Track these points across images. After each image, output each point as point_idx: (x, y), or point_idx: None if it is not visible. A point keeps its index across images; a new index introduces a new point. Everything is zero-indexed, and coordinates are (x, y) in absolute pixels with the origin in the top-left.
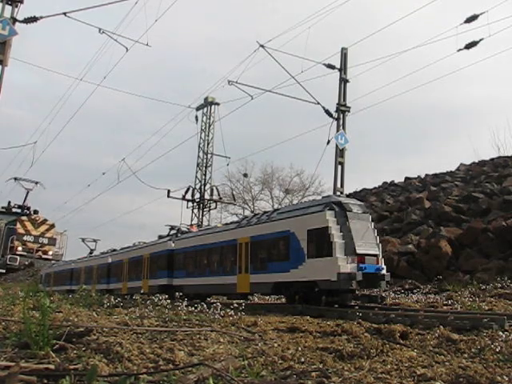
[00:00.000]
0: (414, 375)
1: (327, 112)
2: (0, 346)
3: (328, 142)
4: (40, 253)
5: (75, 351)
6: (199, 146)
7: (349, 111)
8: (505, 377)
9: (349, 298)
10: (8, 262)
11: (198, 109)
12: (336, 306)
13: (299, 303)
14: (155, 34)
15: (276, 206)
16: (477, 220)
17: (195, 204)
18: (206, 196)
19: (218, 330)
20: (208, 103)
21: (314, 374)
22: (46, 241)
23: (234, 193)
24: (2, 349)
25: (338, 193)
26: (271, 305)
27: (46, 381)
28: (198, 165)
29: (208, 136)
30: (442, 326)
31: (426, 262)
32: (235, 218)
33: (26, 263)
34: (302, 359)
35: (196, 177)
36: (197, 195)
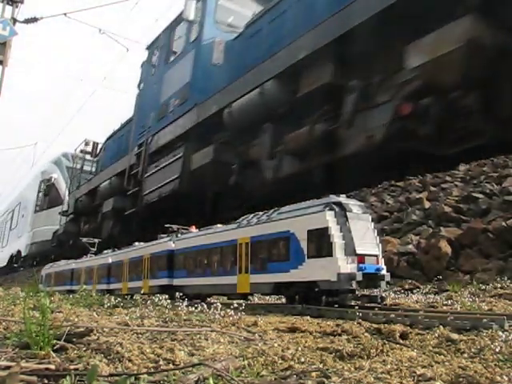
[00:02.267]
0: (414, 375)
1: None
2: (0, 346)
3: None
4: None
5: (75, 351)
6: None
7: None
8: (504, 377)
9: (349, 298)
10: None
11: None
12: (336, 306)
13: (299, 303)
14: (155, 34)
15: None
16: (477, 220)
17: None
18: None
19: (218, 330)
20: None
21: (314, 373)
22: None
23: None
24: (2, 349)
25: None
26: (271, 305)
27: (46, 381)
28: None
29: None
30: (441, 326)
31: (426, 262)
32: None
33: None
34: (302, 359)
35: None
36: None
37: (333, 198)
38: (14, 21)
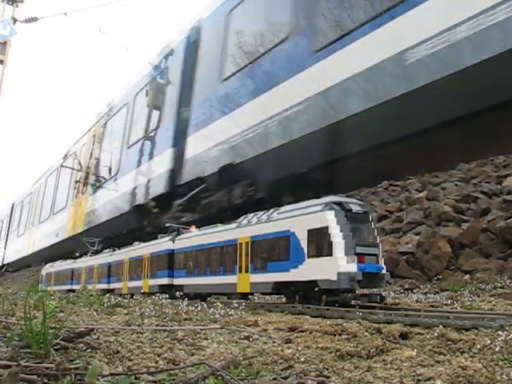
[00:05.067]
0: (414, 374)
1: None
2: (1, 345)
3: None
4: None
5: (76, 351)
6: None
7: None
8: (504, 376)
9: (349, 297)
10: None
11: None
12: (336, 305)
13: (299, 303)
14: (155, 34)
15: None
16: (477, 220)
17: None
18: None
19: (218, 329)
20: None
21: (313, 373)
22: None
23: None
24: (2, 348)
25: None
26: (271, 304)
27: (46, 380)
28: None
29: None
30: (442, 326)
31: (426, 261)
32: None
33: None
34: (302, 359)
35: None
36: None
37: (333, 197)
38: (14, 20)
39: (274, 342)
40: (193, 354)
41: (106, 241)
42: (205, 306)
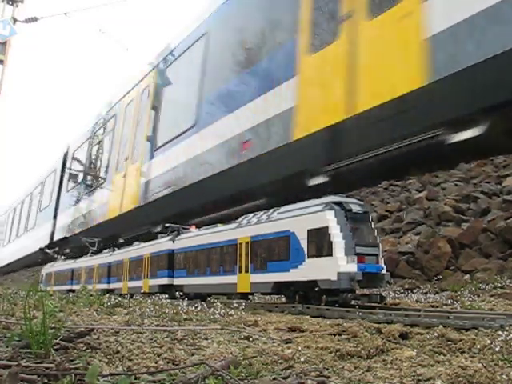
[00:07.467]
0: (414, 374)
1: None
2: (1, 345)
3: None
4: None
5: (76, 351)
6: None
7: None
8: (504, 376)
9: (349, 297)
10: None
11: None
12: (336, 305)
13: (299, 303)
14: (154, 35)
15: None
16: (477, 220)
17: None
18: None
19: (218, 329)
20: None
21: (313, 373)
22: None
23: None
24: (2, 348)
25: None
26: (271, 304)
27: (46, 380)
28: None
29: None
30: (442, 326)
31: (426, 261)
32: None
33: None
34: (302, 359)
35: None
36: None
37: (333, 197)
38: (14, 20)
39: (273, 342)
40: (193, 354)
41: None
42: (205, 305)
